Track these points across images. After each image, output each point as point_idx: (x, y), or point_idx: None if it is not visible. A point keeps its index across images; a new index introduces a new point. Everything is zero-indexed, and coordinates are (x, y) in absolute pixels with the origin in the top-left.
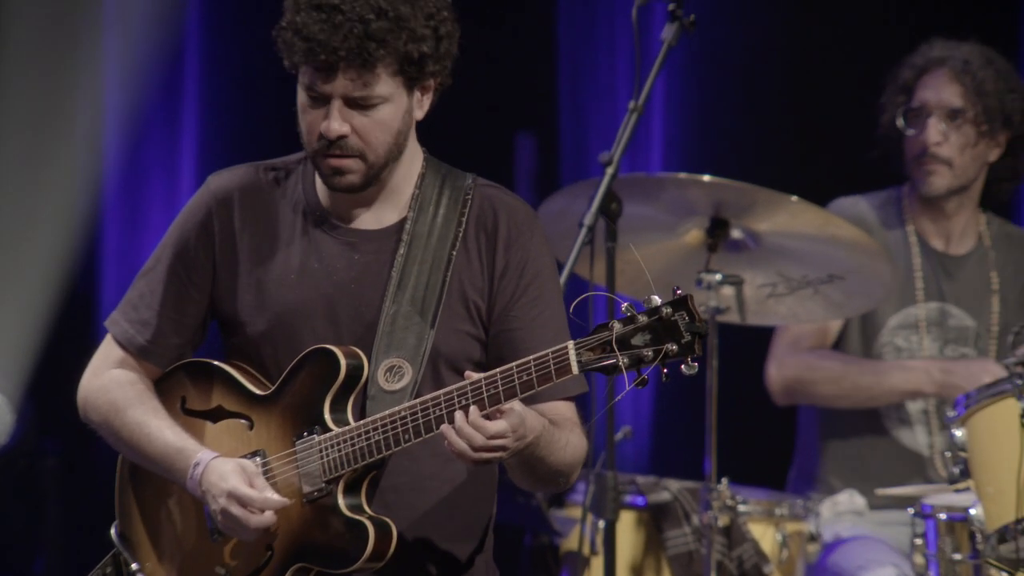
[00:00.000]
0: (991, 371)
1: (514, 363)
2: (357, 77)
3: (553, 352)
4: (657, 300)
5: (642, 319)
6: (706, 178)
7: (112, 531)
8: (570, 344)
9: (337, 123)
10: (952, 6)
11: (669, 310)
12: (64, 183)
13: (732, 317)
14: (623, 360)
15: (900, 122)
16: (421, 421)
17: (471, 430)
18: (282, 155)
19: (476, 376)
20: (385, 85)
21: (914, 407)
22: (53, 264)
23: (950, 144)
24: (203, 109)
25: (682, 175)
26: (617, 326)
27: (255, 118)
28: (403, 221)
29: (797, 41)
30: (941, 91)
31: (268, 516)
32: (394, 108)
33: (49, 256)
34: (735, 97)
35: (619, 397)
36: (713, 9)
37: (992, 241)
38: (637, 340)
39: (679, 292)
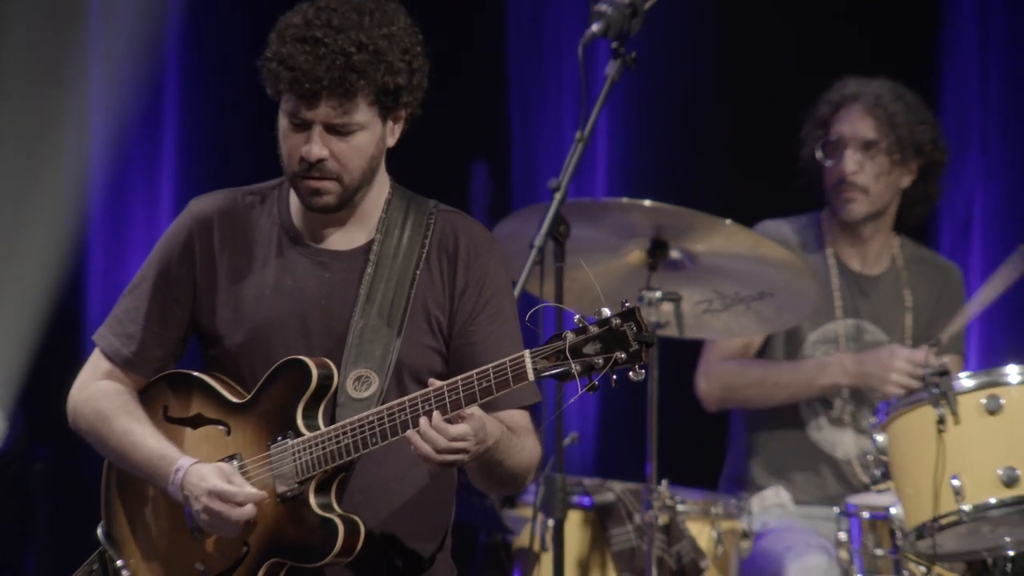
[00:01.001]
0: (898, 354)
1: (474, 371)
2: (338, 105)
3: (511, 360)
4: (607, 312)
5: (593, 330)
6: (647, 203)
7: (98, 531)
8: (526, 353)
9: (318, 147)
10: (871, 45)
11: (618, 321)
12: (52, 206)
13: (671, 331)
14: (575, 367)
15: (819, 154)
16: (388, 425)
17: (435, 433)
18: (255, 181)
19: (439, 383)
20: (363, 113)
21: (834, 413)
22: (42, 282)
23: (866, 173)
24: (181, 138)
25: (625, 200)
26: (570, 336)
27: (230, 147)
28: (371, 243)
29: (731, 77)
30: (856, 124)
31: (248, 509)
32: (370, 135)
33: (38, 274)
34: (674, 128)
35: (572, 400)
36: (653, 47)
37: (905, 262)
38: (588, 349)
39: (627, 305)
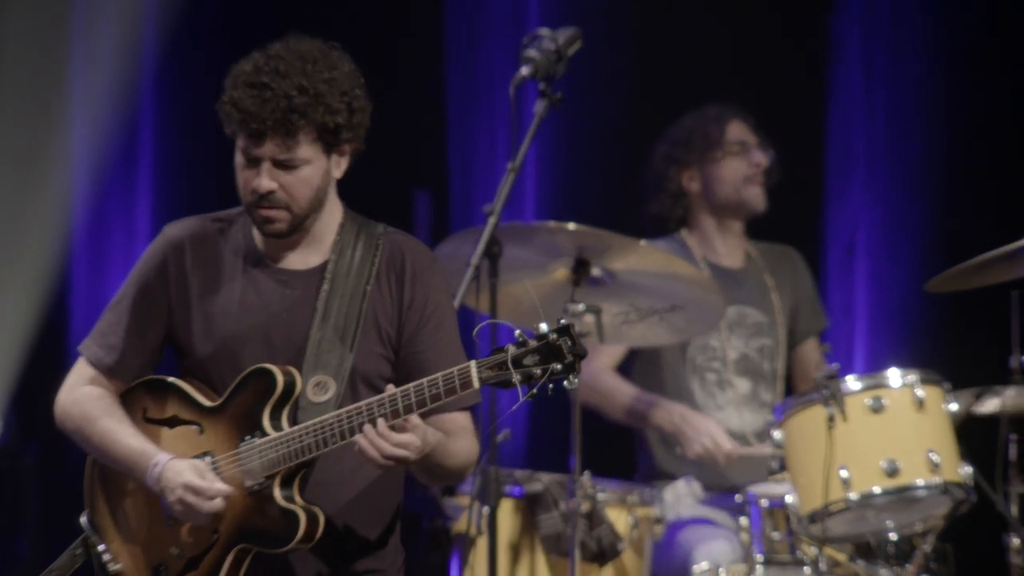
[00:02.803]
0: (714, 432)
1: (425, 379)
2: (282, 142)
3: (459, 370)
4: (545, 327)
5: (532, 343)
6: (571, 226)
7: (82, 518)
8: (472, 363)
9: (266, 181)
10: (767, 84)
11: (555, 336)
12: (40, 233)
13: (592, 340)
14: (516, 377)
15: (724, 159)
16: (346, 427)
17: (380, 439)
18: (224, 208)
19: (394, 390)
20: (306, 150)
21: (731, 416)
22: (32, 300)
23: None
24: (155, 172)
25: (551, 224)
26: (512, 349)
27: (199, 179)
28: (326, 263)
29: (645, 115)
30: (747, 132)
31: (218, 503)
32: (314, 169)
33: (29, 293)
34: (595, 160)
35: (515, 408)
36: (576, 88)
37: (757, 253)
38: (528, 360)
39: (563, 321)
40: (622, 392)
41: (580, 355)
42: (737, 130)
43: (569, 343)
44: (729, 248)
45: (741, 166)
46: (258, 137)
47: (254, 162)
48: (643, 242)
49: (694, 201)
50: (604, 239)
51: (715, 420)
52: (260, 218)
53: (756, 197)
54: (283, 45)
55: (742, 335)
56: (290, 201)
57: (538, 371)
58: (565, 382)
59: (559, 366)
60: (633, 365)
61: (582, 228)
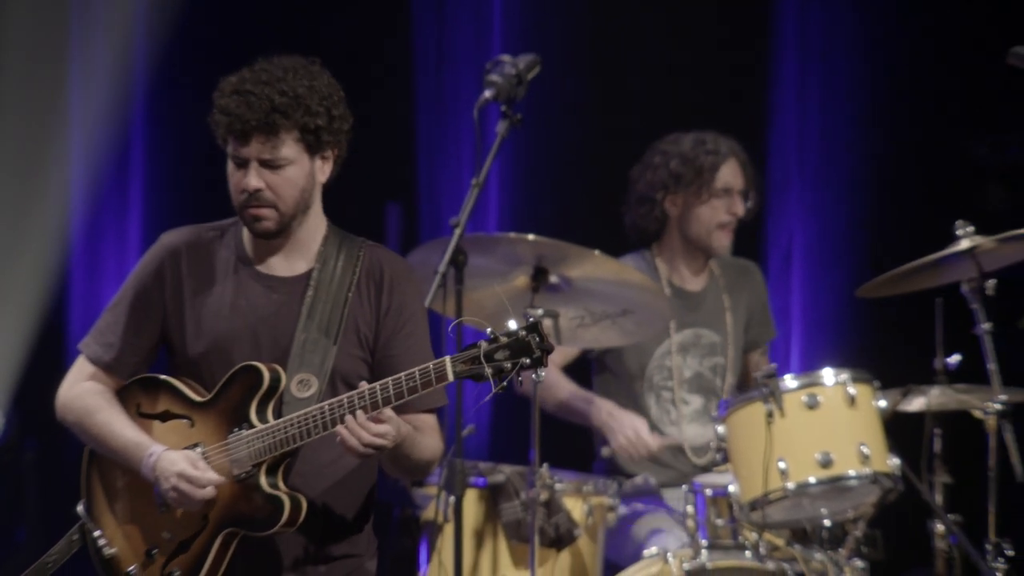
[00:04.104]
0: (638, 429)
1: (403, 373)
2: (265, 141)
3: (434, 364)
4: (514, 325)
5: (503, 339)
6: (531, 237)
7: (79, 507)
8: (447, 358)
9: (254, 179)
10: (716, 108)
11: (524, 332)
12: (39, 241)
13: (551, 342)
14: (488, 370)
15: (704, 196)
16: (328, 418)
17: (360, 429)
18: (211, 220)
19: (374, 384)
20: (289, 149)
21: (684, 430)
22: (32, 304)
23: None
24: (147, 185)
25: (512, 235)
26: (484, 345)
27: (188, 192)
28: (311, 270)
29: (601, 133)
30: (738, 176)
31: (210, 491)
32: (298, 169)
33: (29, 297)
34: (553, 175)
35: (488, 398)
36: (535, 110)
37: (721, 270)
38: (499, 355)
39: (531, 319)
40: (561, 388)
41: (547, 350)
42: (727, 174)
43: (537, 339)
44: (693, 270)
45: (719, 212)
46: (244, 138)
47: (242, 163)
48: (597, 252)
49: (671, 223)
50: (561, 249)
51: (637, 421)
52: (250, 217)
53: (722, 243)
54: (266, 60)
55: (696, 355)
56: (277, 200)
57: (508, 365)
58: (533, 375)
59: (528, 360)
60: (595, 380)
61: (541, 239)
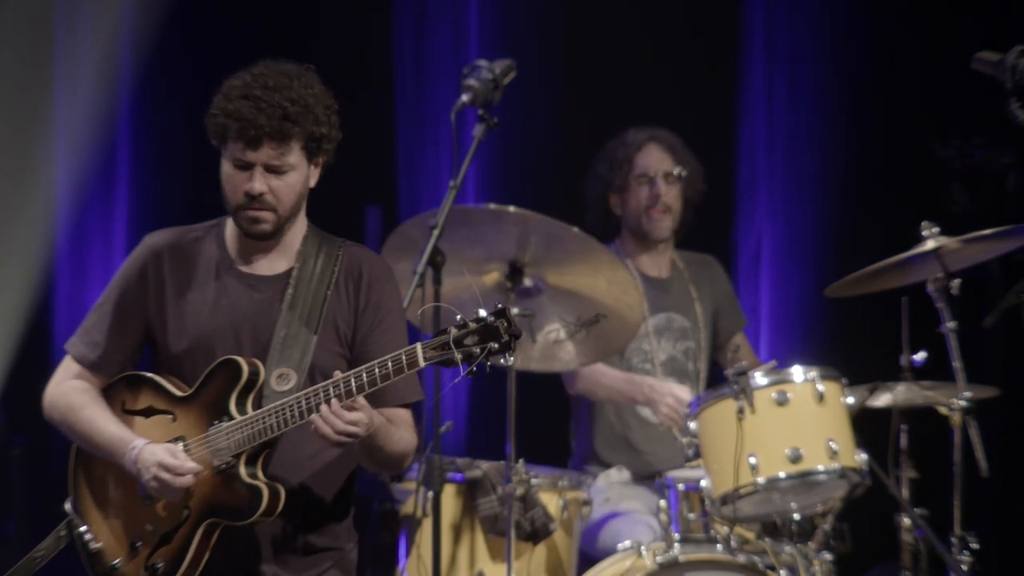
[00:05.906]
0: (677, 392)
1: (376, 361)
2: (276, 148)
3: (406, 351)
4: (483, 312)
5: (472, 325)
6: (512, 208)
7: (67, 504)
8: (418, 344)
9: (260, 184)
10: (688, 112)
11: (493, 318)
12: (26, 243)
13: (518, 327)
14: (458, 355)
15: (630, 184)
16: (304, 407)
17: (333, 417)
18: (196, 222)
19: (348, 372)
20: (294, 156)
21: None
22: (18, 305)
23: (671, 196)
24: (131, 188)
25: (493, 206)
26: (454, 331)
27: (172, 194)
28: (291, 269)
29: (572, 137)
30: (661, 160)
31: (188, 479)
32: (299, 175)
33: (15, 299)
34: (527, 176)
35: (456, 381)
36: (511, 113)
37: (684, 264)
38: (468, 341)
39: (499, 306)
40: (604, 374)
41: (515, 335)
42: (645, 159)
43: (506, 325)
44: (655, 261)
45: (644, 196)
46: (255, 143)
47: (246, 167)
48: (576, 229)
49: (620, 221)
50: (543, 222)
51: (672, 385)
52: (248, 219)
53: (657, 226)
54: (264, 65)
55: (670, 338)
56: (277, 204)
57: (477, 350)
58: (502, 359)
59: (496, 345)
60: None
61: (522, 210)
